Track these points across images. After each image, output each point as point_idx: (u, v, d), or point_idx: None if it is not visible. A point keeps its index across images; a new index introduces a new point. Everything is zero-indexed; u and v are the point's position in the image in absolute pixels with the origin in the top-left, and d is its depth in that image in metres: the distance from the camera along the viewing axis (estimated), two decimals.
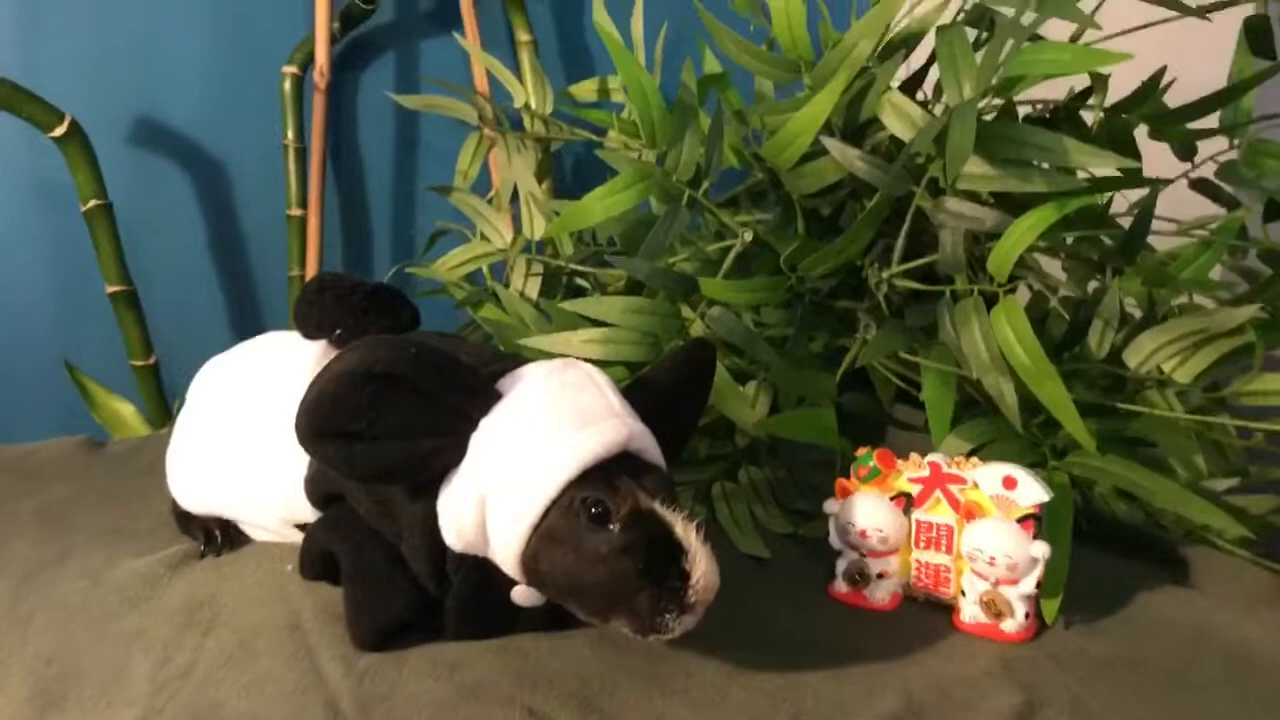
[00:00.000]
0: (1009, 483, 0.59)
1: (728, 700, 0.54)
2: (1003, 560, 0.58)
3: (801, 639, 0.59)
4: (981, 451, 0.68)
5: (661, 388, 0.61)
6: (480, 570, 0.55)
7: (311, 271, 1.05)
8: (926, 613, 0.62)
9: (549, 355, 0.78)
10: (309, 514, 0.63)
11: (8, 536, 0.72)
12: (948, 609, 0.62)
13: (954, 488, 0.61)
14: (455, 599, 0.57)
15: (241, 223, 1.09)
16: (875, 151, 0.78)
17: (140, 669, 0.56)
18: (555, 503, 0.51)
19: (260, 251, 1.09)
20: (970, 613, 0.60)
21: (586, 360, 0.76)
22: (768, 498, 0.77)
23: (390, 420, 0.52)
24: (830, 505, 0.64)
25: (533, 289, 0.88)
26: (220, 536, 0.69)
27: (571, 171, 1.18)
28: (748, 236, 0.77)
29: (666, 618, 0.50)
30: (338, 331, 0.67)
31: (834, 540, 0.64)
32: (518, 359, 0.59)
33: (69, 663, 0.56)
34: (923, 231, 0.78)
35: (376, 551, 0.58)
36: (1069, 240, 0.77)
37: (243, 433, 0.65)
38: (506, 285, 0.89)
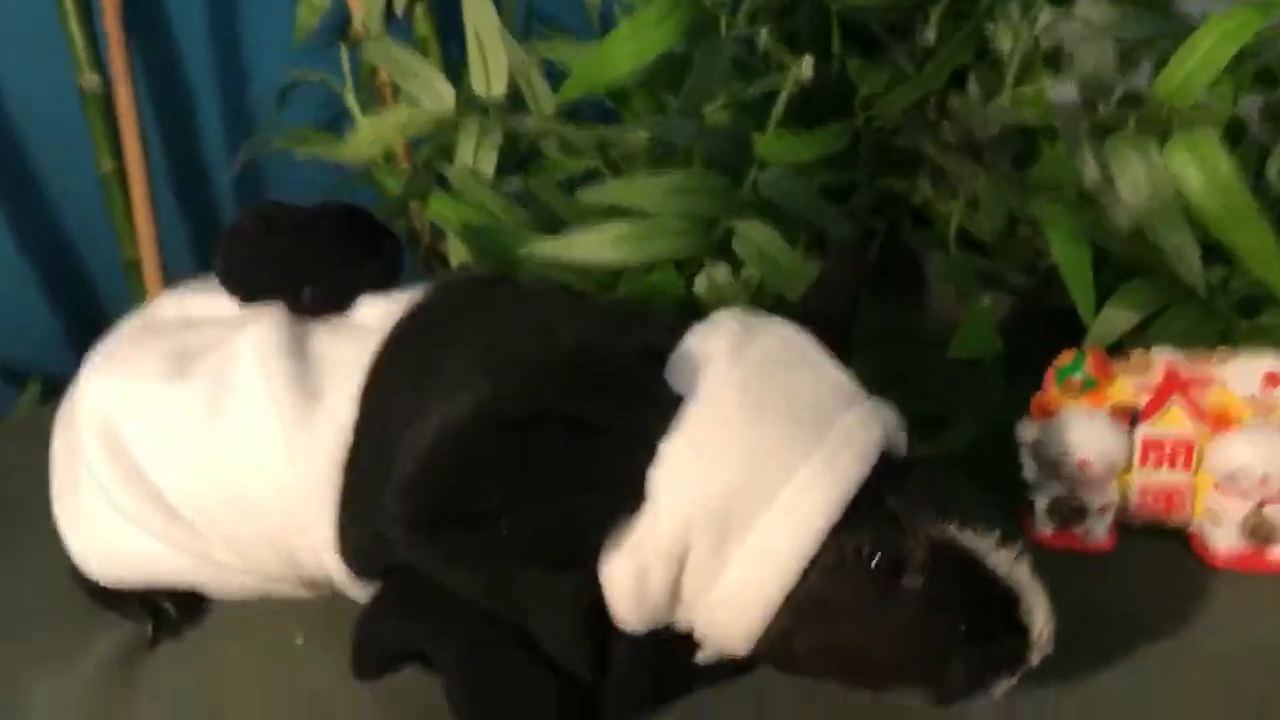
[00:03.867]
0: (1272, 380, 0.46)
1: None
2: (1278, 479, 0.46)
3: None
4: (1155, 327, 0.54)
5: (833, 318, 0.43)
6: (654, 634, 0.38)
7: (135, 162, 0.76)
8: (1155, 545, 0.49)
9: (560, 268, 0.58)
10: (332, 570, 0.42)
11: None
12: (1178, 536, 0.50)
13: (1196, 392, 0.47)
14: (619, 679, 0.39)
15: (10, 100, 0.77)
16: None
17: None
18: (815, 562, 0.34)
19: (52, 140, 0.78)
20: (1226, 541, 0.48)
21: (622, 262, 0.57)
22: None
23: (548, 479, 0.32)
24: (1026, 430, 0.49)
25: (486, 164, 0.65)
26: (174, 610, 0.47)
27: None
28: (807, 70, 0.58)
29: (989, 683, 0.35)
30: (308, 289, 0.44)
31: (1029, 473, 0.50)
32: (651, 322, 0.39)
33: None
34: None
35: (498, 647, 0.38)
36: None
37: (192, 459, 0.42)
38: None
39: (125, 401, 0.43)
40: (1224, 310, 0.54)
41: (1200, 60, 0.51)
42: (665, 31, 0.53)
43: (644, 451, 0.34)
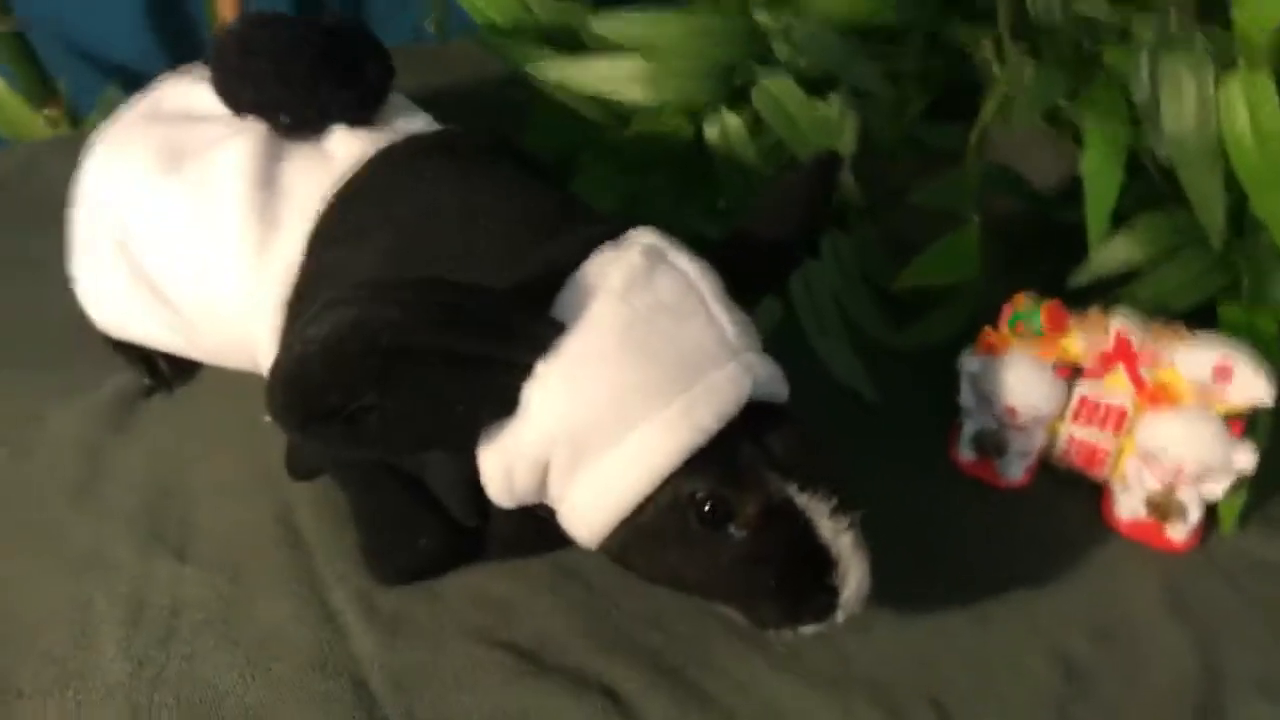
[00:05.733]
0: (1223, 373, 0.45)
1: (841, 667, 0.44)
2: (1195, 468, 0.46)
3: (929, 539, 0.48)
4: (1161, 268, 0.52)
5: (768, 237, 0.43)
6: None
7: None
8: (1067, 494, 0.50)
9: (569, 89, 0.57)
10: None
11: None
12: (1093, 488, 0.50)
13: (1143, 363, 0.46)
14: (499, 525, 0.44)
15: None
16: None
17: (106, 626, 0.43)
18: (652, 497, 0.37)
19: None
20: (1130, 508, 0.49)
21: (633, 101, 0.57)
22: (853, 273, 0.60)
23: (410, 393, 0.35)
24: (969, 362, 0.49)
25: None
26: (167, 367, 0.53)
27: None
28: None
29: (798, 630, 0.38)
30: (284, 118, 0.46)
31: (965, 399, 0.51)
32: (565, 236, 0.39)
33: (8, 608, 0.44)
34: None
35: (391, 485, 0.43)
36: None
37: (178, 255, 0.46)
38: None
39: (127, 192, 0.47)
40: (1235, 266, 0.52)
41: None
42: None
43: (518, 371, 0.37)
